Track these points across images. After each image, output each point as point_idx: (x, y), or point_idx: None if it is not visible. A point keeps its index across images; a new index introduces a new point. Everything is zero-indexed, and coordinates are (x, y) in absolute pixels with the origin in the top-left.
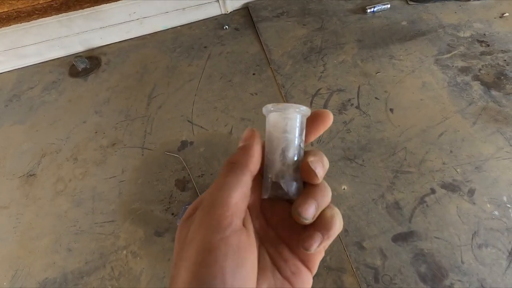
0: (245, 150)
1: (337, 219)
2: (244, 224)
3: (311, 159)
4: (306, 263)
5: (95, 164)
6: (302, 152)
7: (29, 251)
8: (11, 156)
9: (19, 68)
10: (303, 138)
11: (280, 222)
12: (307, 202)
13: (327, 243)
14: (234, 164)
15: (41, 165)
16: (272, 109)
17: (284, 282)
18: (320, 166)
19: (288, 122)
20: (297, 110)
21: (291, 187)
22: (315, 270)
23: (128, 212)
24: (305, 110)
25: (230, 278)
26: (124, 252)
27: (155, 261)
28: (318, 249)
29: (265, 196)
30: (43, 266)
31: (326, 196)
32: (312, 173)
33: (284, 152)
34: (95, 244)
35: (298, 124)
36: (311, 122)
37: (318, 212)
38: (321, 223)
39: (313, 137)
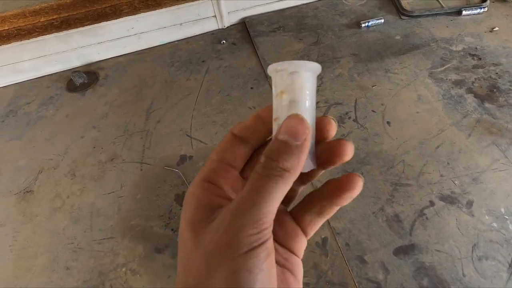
0: (300, 154)
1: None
2: None
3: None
4: (294, 251)
5: (93, 179)
6: (314, 112)
7: (26, 270)
8: (8, 173)
9: (15, 83)
10: (314, 98)
11: None
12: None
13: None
14: (287, 172)
15: (38, 181)
16: (279, 68)
17: (283, 270)
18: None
19: (299, 83)
20: (307, 67)
21: (310, 156)
22: (301, 256)
23: (127, 229)
24: (315, 68)
25: (267, 280)
26: (124, 269)
27: (155, 279)
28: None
29: None
30: (40, 285)
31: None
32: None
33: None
34: (93, 261)
35: (308, 85)
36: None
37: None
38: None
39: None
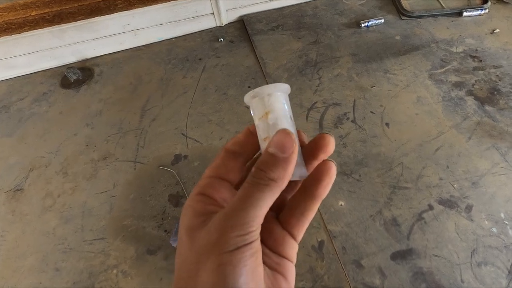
0: (287, 166)
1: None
2: None
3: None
4: (284, 256)
5: (86, 178)
6: (295, 127)
7: (14, 270)
8: None
9: (8, 79)
10: (291, 114)
11: None
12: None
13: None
14: (273, 182)
15: (29, 179)
16: (256, 93)
17: (274, 273)
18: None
19: (279, 102)
20: (277, 89)
21: (298, 167)
22: (295, 261)
23: (119, 229)
24: (286, 88)
25: (250, 276)
26: (114, 271)
27: (147, 281)
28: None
29: None
30: (29, 286)
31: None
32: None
33: None
34: (84, 263)
35: (285, 103)
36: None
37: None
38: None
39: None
